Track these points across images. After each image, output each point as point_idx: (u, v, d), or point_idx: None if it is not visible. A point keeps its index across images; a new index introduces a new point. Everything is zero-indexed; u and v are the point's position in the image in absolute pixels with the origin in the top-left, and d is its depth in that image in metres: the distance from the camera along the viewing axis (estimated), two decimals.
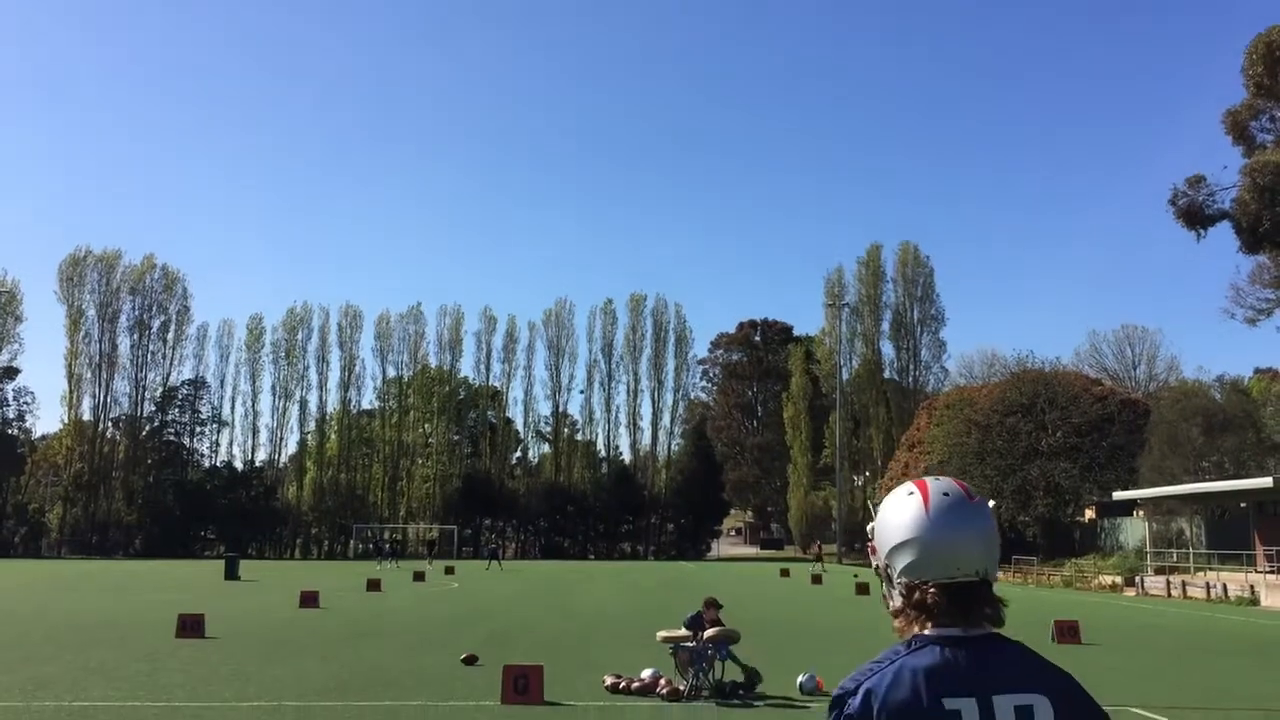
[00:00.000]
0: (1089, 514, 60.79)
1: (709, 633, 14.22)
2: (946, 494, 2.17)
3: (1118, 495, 51.88)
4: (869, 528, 2.28)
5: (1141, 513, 52.16)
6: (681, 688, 13.69)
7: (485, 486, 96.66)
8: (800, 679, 14.16)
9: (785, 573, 56.35)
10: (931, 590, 2.11)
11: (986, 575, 2.14)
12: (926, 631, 2.11)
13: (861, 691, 2.05)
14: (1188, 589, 40.87)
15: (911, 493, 2.20)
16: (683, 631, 14.53)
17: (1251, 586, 38.30)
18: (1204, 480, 48.78)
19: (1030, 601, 34.38)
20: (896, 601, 2.19)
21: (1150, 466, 53.81)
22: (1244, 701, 13.30)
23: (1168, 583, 42.27)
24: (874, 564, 2.27)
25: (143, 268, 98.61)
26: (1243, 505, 46.30)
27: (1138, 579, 45.21)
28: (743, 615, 22.23)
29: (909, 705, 2.00)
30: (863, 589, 39.34)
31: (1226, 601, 37.62)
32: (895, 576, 2.18)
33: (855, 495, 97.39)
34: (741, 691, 13.75)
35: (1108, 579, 46.87)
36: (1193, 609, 34.26)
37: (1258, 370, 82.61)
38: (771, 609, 30.49)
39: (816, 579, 49.45)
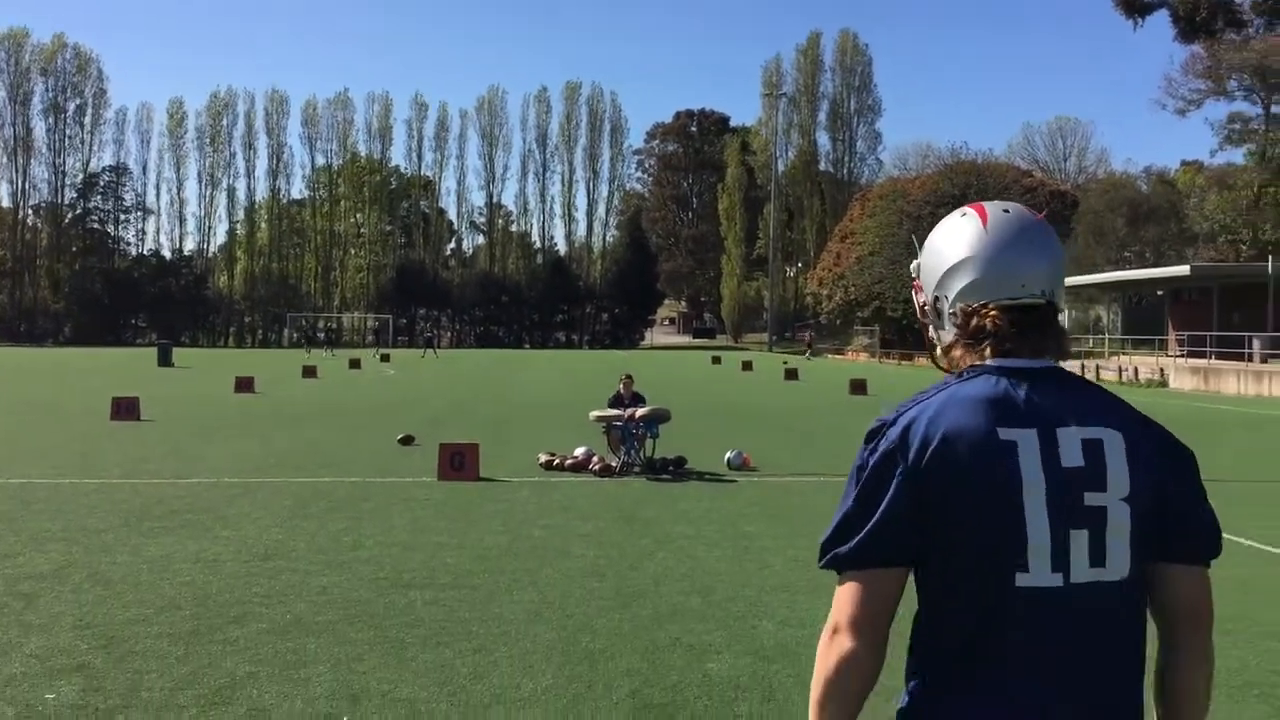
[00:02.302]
0: None
1: (640, 411, 14.60)
2: (1007, 210, 1.98)
3: None
4: (913, 265, 2.08)
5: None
6: (614, 464, 14.14)
7: (419, 277, 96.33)
8: (728, 455, 14.69)
9: (717, 360, 57.46)
10: (993, 312, 1.90)
11: (1052, 297, 1.94)
12: (984, 362, 1.90)
13: (902, 421, 1.85)
14: (1101, 372, 42.46)
15: (965, 214, 2.00)
16: (614, 411, 14.87)
17: (1162, 369, 39.95)
18: (1125, 269, 50.10)
19: None
20: (949, 334, 1.97)
21: (1073, 257, 55.02)
22: None
23: (1082, 366, 43.74)
24: (918, 304, 2.08)
25: (53, 47, 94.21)
26: (1159, 293, 47.78)
27: None
28: (674, 398, 22.79)
29: (957, 434, 1.79)
30: (791, 374, 40.41)
31: (1137, 384, 39.25)
32: (948, 307, 1.96)
33: (786, 286, 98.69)
34: (671, 467, 14.25)
35: None
36: None
37: (1184, 162, 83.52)
38: (702, 394, 31.22)
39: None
